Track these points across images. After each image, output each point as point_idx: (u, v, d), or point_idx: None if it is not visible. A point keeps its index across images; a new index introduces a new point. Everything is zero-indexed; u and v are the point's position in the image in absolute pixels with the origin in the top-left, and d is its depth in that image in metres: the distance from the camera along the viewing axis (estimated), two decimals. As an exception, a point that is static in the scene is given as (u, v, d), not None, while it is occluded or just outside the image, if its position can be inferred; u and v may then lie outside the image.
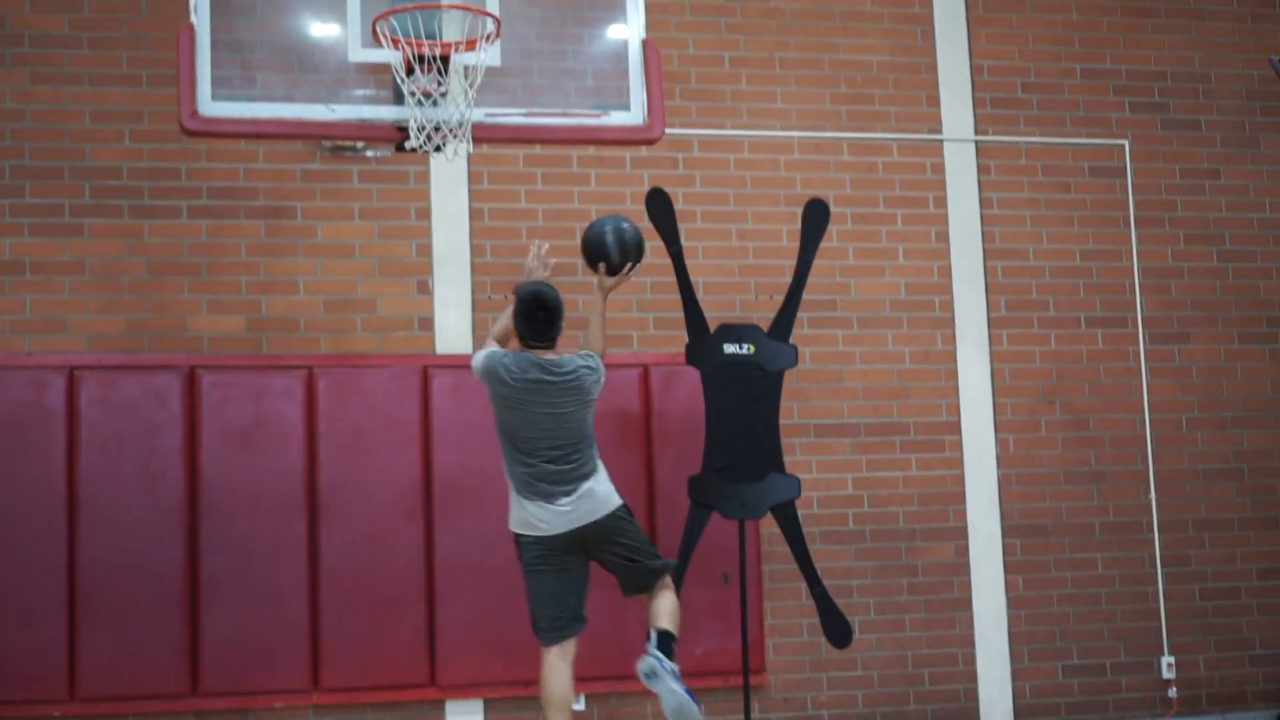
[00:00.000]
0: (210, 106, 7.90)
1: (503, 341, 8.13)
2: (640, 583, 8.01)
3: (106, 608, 9.66)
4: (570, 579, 7.86)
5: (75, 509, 9.73)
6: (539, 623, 7.77)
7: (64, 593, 9.65)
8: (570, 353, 8.00)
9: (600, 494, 7.88)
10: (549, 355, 7.89)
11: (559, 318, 7.92)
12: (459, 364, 10.27)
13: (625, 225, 8.28)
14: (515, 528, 7.85)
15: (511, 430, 7.80)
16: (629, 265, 8.24)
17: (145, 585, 9.73)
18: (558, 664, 7.74)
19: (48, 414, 9.79)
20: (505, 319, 8.20)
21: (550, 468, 7.74)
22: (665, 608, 7.91)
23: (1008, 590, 11.10)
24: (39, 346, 9.96)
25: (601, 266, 8.23)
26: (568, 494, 7.75)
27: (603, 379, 8.04)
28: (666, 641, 7.77)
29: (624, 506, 7.96)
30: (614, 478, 10.37)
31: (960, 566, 11.05)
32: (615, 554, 7.93)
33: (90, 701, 9.63)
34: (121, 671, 9.66)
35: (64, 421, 9.79)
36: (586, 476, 7.86)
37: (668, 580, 8.04)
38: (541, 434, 7.77)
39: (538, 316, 7.83)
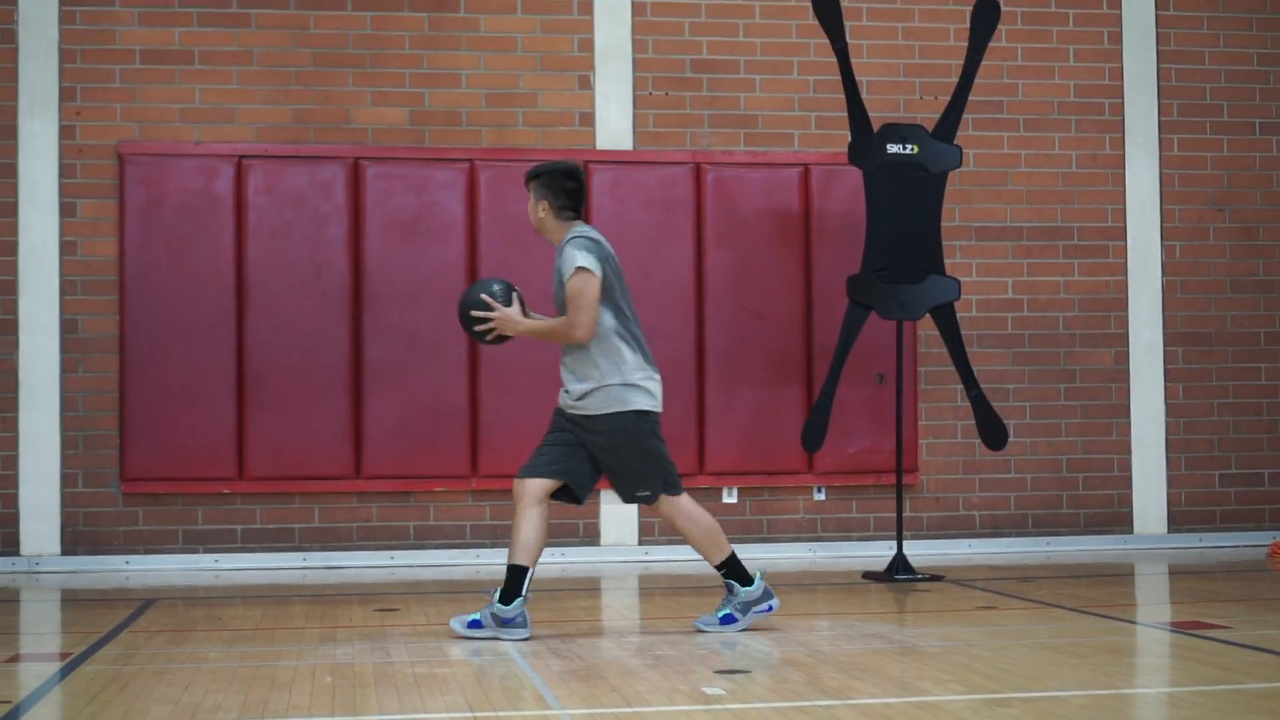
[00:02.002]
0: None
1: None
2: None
3: (273, 391, 9.95)
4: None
5: (243, 295, 9.97)
6: (674, 478, 7.17)
7: (233, 376, 9.94)
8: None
9: None
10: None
11: (584, 188, 7.28)
12: (619, 159, 10.32)
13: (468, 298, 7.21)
14: (646, 405, 7.06)
15: (619, 308, 7.09)
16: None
17: (311, 371, 9.99)
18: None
19: (216, 202, 10.00)
20: (544, 327, 7.17)
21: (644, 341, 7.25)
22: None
23: (1167, 398, 11.00)
24: (208, 136, 10.13)
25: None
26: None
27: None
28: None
29: None
30: (773, 277, 10.45)
31: (1119, 373, 10.97)
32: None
33: (258, 480, 9.98)
34: (288, 453, 9.97)
35: (232, 210, 10.00)
36: None
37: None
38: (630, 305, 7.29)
39: (569, 186, 7.13)
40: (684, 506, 7.19)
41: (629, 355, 7.04)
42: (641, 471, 7.07)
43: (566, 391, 7.08)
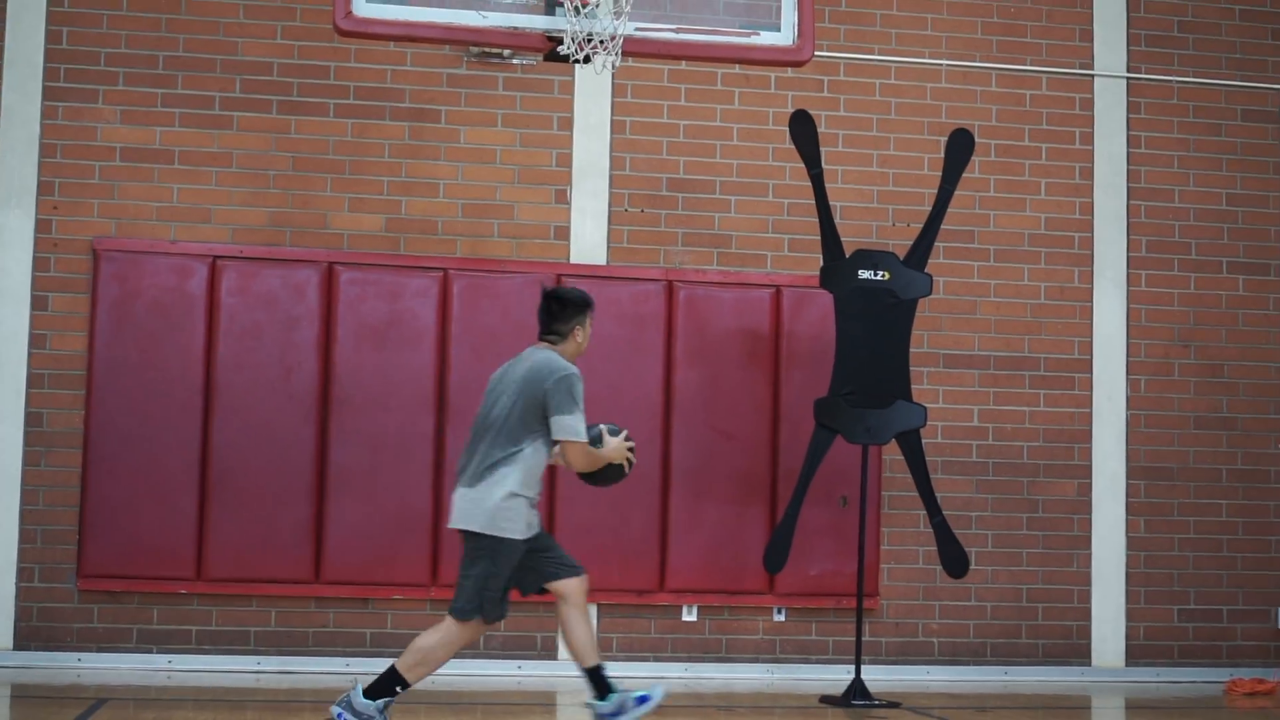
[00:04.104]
0: (364, 7, 7.98)
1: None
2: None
3: (237, 492, 9.92)
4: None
5: (211, 394, 9.97)
6: (495, 608, 7.08)
7: (197, 475, 9.91)
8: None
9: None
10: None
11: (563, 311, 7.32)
12: (593, 273, 10.38)
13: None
14: (522, 534, 7.03)
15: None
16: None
17: (275, 472, 9.97)
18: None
19: (190, 301, 10.02)
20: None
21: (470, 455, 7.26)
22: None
23: (1128, 531, 11.04)
24: (184, 235, 10.17)
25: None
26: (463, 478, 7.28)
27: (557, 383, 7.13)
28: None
29: None
30: (742, 397, 10.48)
31: (1082, 505, 11.01)
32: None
33: (217, 581, 9.92)
34: (248, 554, 9.92)
35: (204, 309, 10.02)
36: None
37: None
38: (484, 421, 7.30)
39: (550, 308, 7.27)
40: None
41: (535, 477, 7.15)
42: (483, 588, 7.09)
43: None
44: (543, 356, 7.18)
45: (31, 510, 9.90)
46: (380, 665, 9.92)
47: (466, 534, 7.07)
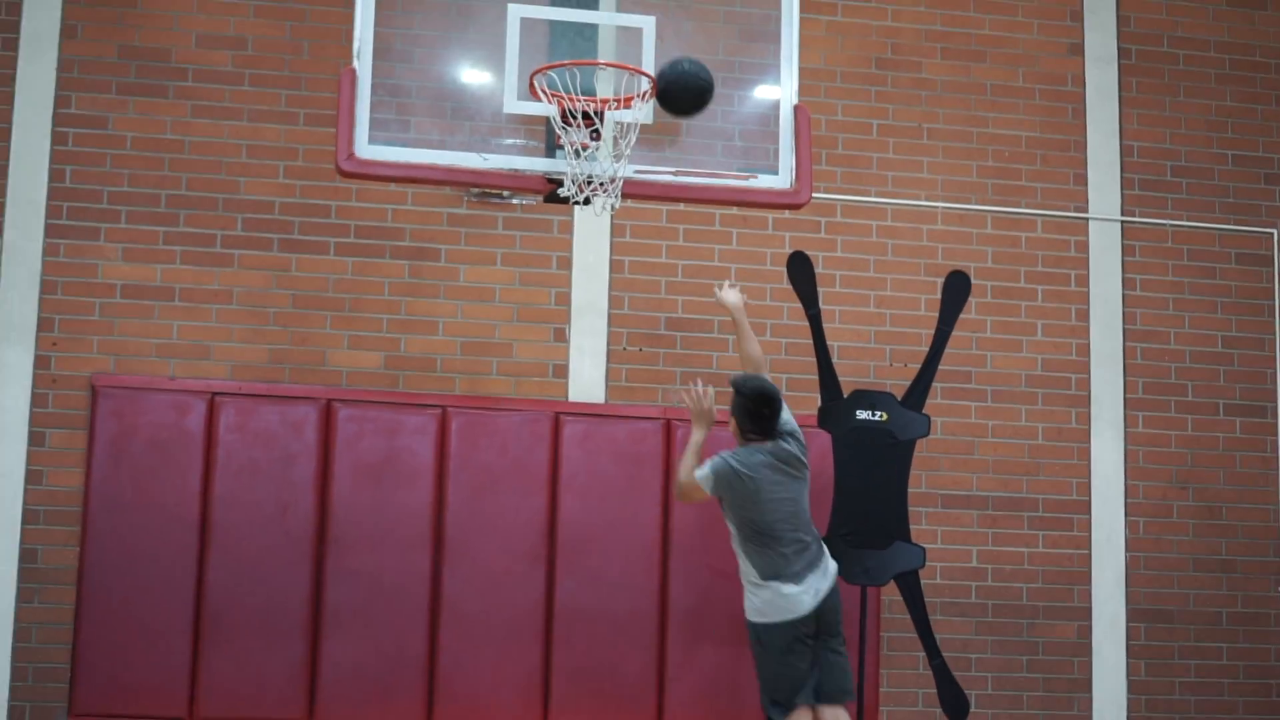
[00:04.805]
0: (366, 149, 8.04)
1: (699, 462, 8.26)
2: (840, 683, 8.00)
3: (230, 630, 9.84)
4: (811, 661, 7.95)
5: (207, 531, 9.92)
6: (786, 702, 7.85)
7: (190, 611, 9.83)
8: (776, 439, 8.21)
9: (831, 567, 8.15)
10: (768, 444, 8.05)
11: (781, 411, 8.15)
12: (591, 412, 10.37)
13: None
14: (762, 617, 7.90)
15: (754, 523, 7.93)
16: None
17: (270, 610, 9.89)
18: None
19: (187, 437, 10.00)
20: (693, 449, 8.32)
21: (795, 548, 7.84)
22: None
23: (1129, 674, 10.96)
24: (183, 371, 10.19)
25: None
26: (811, 570, 7.90)
27: (804, 441, 8.28)
28: None
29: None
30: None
31: (1082, 647, 10.94)
32: (830, 642, 8.04)
33: (210, 721, 9.83)
34: (241, 693, 9.81)
35: (202, 446, 10.00)
36: (821, 549, 8.14)
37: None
38: (782, 518, 7.93)
39: (763, 413, 8.04)
40: None
41: (753, 566, 7.92)
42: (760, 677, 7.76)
43: None
44: (787, 447, 8.17)
45: (24, 648, 9.81)
46: (373, 808, 9.85)
47: (834, 588, 8.06)
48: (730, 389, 8.16)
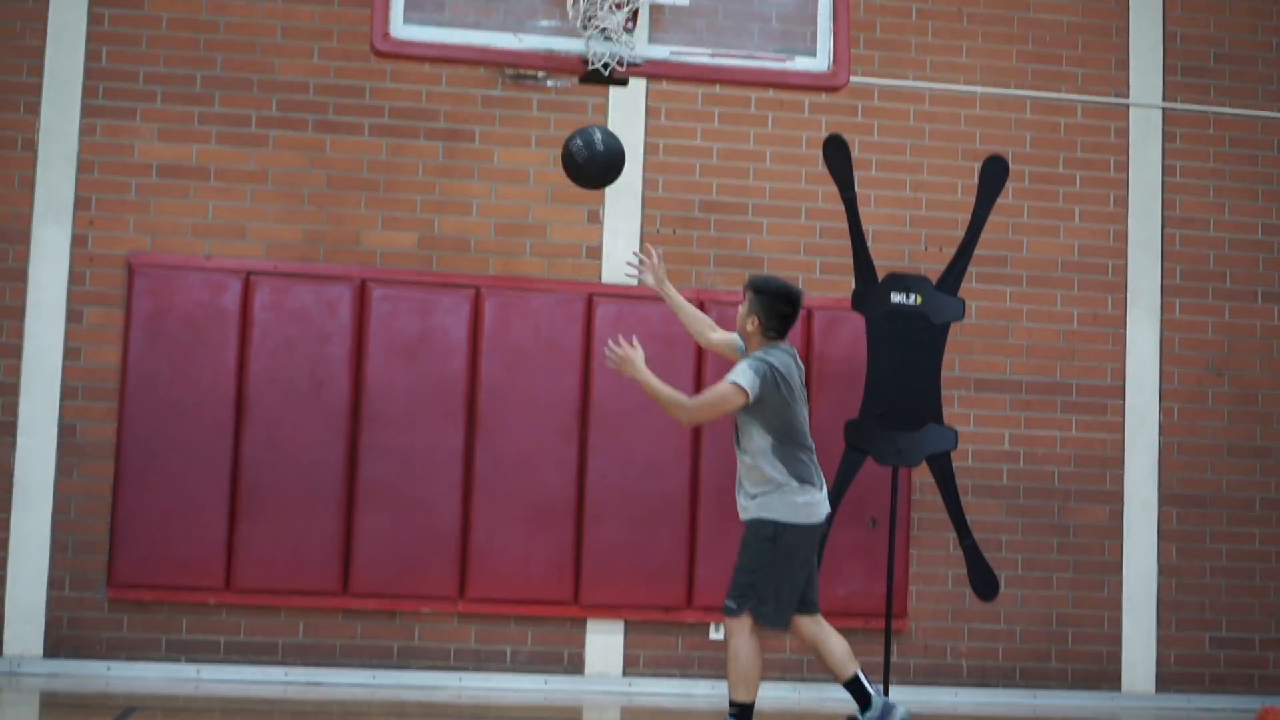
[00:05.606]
0: (402, 30, 8.03)
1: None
2: (817, 594, 7.96)
3: (266, 505, 9.96)
4: (811, 570, 7.90)
5: (243, 408, 10.02)
6: (779, 606, 7.67)
7: (227, 487, 9.95)
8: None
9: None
10: (785, 344, 7.86)
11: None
12: (623, 293, 10.39)
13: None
14: (788, 517, 7.62)
15: (790, 424, 7.67)
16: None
17: (305, 486, 10.00)
18: (758, 643, 7.75)
19: (223, 316, 10.08)
20: (659, 383, 7.82)
21: (811, 453, 7.77)
22: (843, 648, 7.97)
23: (1160, 558, 10.98)
24: (218, 251, 10.25)
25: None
26: (821, 476, 7.82)
27: None
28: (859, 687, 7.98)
29: None
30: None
31: (1113, 530, 10.95)
32: (819, 552, 8.00)
33: (245, 592, 9.95)
34: (276, 566, 9.95)
35: (237, 324, 10.08)
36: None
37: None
38: (806, 420, 7.82)
39: (787, 313, 7.74)
40: (740, 636, 7.59)
41: (785, 468, 7.59)
42: (738, 578, 7.55)
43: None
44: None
45: (63, 520, 9.95)
46: (407, 678, 9.99)
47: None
48: (749, 289, 7.84)
